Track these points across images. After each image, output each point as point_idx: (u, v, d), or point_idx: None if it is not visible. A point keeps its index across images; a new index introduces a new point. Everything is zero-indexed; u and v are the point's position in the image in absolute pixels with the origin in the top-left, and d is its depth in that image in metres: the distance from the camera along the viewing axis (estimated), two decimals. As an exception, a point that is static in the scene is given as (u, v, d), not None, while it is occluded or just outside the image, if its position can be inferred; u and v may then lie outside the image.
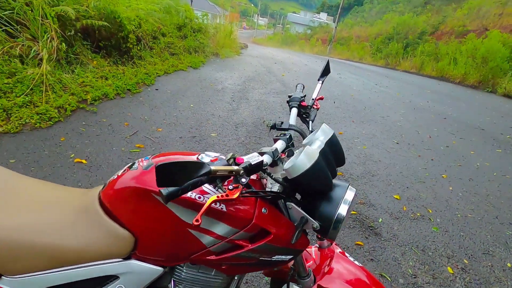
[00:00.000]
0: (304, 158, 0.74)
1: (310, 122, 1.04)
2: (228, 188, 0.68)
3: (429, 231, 2.31)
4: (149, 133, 3.21)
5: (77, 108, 3.38)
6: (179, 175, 0.54)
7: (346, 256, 1.08)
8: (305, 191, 0.84)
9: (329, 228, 0.81)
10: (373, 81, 9.63)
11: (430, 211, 2.57)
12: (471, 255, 2.13)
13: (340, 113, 5.10)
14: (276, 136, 0.96)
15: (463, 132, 5.02)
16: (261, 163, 0.73)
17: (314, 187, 0.79)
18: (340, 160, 0.89)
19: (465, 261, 2.07)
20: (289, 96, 1.12)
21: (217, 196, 0.66)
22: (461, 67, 12.13)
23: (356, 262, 1.07)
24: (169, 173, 0.52)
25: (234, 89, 5.56)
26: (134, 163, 0.86)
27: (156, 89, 4.71)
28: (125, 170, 0.85)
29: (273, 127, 0.97)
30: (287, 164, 0.79)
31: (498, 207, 2.82)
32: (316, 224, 0.82)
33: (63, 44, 3.90)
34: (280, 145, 0.92)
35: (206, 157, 0.85)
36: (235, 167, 0.66)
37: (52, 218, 0.78)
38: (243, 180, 0.69)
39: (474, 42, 12.59)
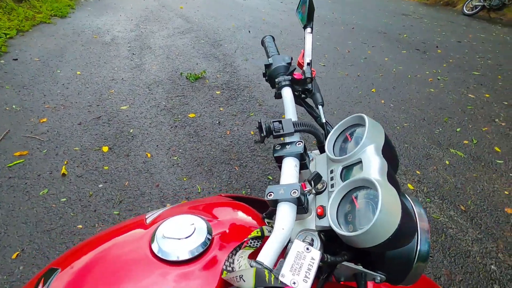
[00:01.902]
0: (386, 215, 0.38)
1: (320, 107, 0.63)
2: None
3: (382, 153, 2.37)
4: (29, 130, 2.28)
5: None
6: None
7: None
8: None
9: (405, 275, 0.52)
10: (276, -2, 9.04)
11: (376, 132, 2.62)
12: (419, 164, 2.29)
13: (259, 43, 4.62)
14: (278, 149, 0.55)
15: (372, 40, 5.22)
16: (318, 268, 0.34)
17: (397, 247, 0.45)
18: (394, 168, 0.55)
19: (418, 172, 2.21)
20: (266, 67, 0.67)
21: None
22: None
23: None
24: None
25: (128, 37, 4.40)
26: None
27: (15, 59, 3.34)
28: None
29: (267, 134, 0.55)
30: (338, 223, 0.43)
31: (422, 109, 3.08)
32: (380, 277, 0.52)
33: None
34: (294, 171, 0.52)
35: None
36: None
37: None
38: None
39: None
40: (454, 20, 7.15)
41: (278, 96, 0.64)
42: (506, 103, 3.33)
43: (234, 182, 2.02)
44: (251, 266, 0.32)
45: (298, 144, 0.54)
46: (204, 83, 3.21)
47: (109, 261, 0.45)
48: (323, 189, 0.52)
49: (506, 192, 2.11)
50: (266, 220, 0.56)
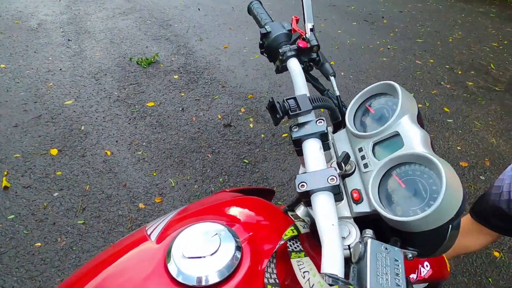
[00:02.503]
0: (451, 192, 0.34)
1: (332, 78, 0.56)
2: None
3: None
4: (-51, 140, 1.88)
5: None
6: None
7: None
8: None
9: (438, 246, 0.50)
10: (221, -27, 8.57)
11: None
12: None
13: (211, 21, 4.36)
14: (296, 131, 0.47)
15: (323, 13, 5.26)
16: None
17: (449, 225, 0.42)
18: None
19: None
20: (264, 36, 0.57)
21: None
22: None
23: None
24: None
25: (59, 21, 3.82)
26: None
27: None
28: None
29: (283, 115, 0.46)
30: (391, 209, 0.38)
31: (379, 78, 3.21)
32: (411, 253, 0.49)
33: None
34: (320, 153, 0.45)
35: None
36: None
37: None
38: None
39: None
40: (393, -9, 7.50)
41: (282, 69, 0.56)
42: (447, 66, 3.62)
43: (209, 171, 1.91)
44: (331, 285, 0.25)
45: (319, 123, 0.46)
46: (159, 67, 2.94)
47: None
48: (351, 170, 0.47)
49: (458, 148, 2.33)
50: (289, 214, 0.49)
